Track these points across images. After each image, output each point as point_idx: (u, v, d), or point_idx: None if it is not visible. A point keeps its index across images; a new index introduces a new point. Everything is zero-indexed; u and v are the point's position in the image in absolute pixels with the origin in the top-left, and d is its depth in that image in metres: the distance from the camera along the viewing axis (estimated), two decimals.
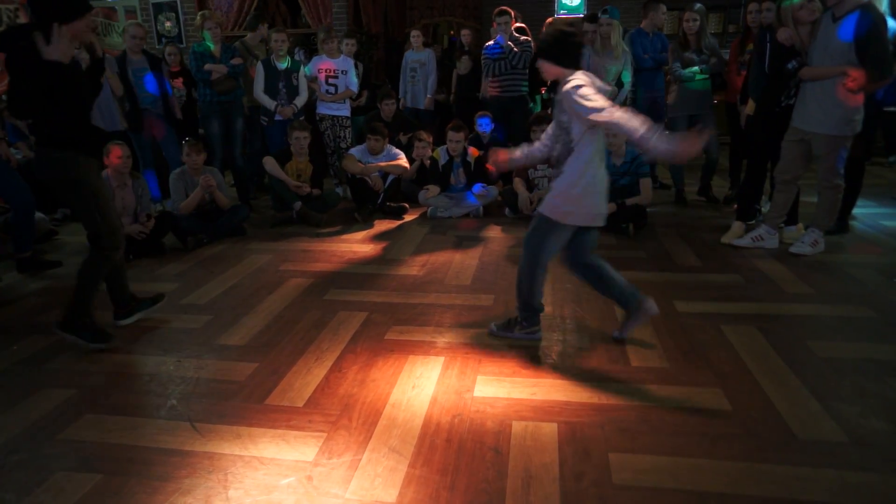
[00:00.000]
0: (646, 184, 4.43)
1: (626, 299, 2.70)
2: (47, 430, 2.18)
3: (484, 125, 5.45)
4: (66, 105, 2.61)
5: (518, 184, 4.82)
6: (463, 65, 6.24)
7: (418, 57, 6.31)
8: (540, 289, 2.70)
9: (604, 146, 2.61)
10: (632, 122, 2.28)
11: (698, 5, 4.95)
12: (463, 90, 6.31)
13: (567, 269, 2.78)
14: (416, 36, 6.37)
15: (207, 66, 5.11)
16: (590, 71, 5.03)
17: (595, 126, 2.42)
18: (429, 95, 6.33)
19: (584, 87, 2.39)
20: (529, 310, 2.75)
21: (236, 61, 5.25)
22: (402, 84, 6.45)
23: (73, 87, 2.60)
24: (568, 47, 2.50)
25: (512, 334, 2.79)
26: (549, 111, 6.21)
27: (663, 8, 5.20)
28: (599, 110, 2.32)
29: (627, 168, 4.47)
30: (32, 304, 3.41)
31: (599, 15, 5.10)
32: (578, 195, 2.50)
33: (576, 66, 2.52)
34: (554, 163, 2.63)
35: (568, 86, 2.42)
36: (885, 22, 3.32)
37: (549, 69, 2.57)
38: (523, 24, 6.07)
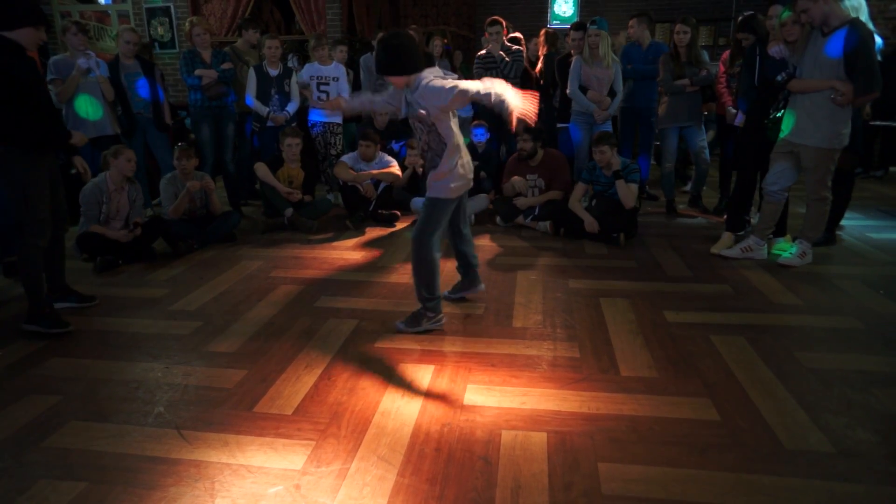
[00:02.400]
0: (632, 188, 4.45)
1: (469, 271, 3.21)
2: (31, 437, 2.15)
3: (479, 135, 5.47)
4: (8, 102, 2.80)
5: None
6: None
7: None
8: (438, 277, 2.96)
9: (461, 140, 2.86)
10: (474, 85, 2.57)
11: (689, 18, 5.01)
12: None
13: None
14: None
15: (198, 72, 5.10)
16: (582, 81, 5.05)
17: (450, 110, 2.71)
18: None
19: (434, 79, 2.63)
20: (433, 299, 2.94)
21: (226, 66, 5.24)
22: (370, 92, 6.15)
23: (17, 85, 2.79)
24: (402, 55, 2.66)
25: (420, 327, 2.96)
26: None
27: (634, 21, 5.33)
28: (453, 88, 2.57)
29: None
30: (18, 309, 3.37)
31: (588, 26, 5.14)
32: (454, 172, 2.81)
33: (418, 69, 2.70)
34: (429, 160, 2.87)
35: (423, 83, 2.64)
36: (872, 38, 3.37)
37: (396, 81, 2.75)
38: (518, 34, 6.11)
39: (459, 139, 2.85)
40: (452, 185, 2.83)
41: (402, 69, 2.69)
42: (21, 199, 2.92)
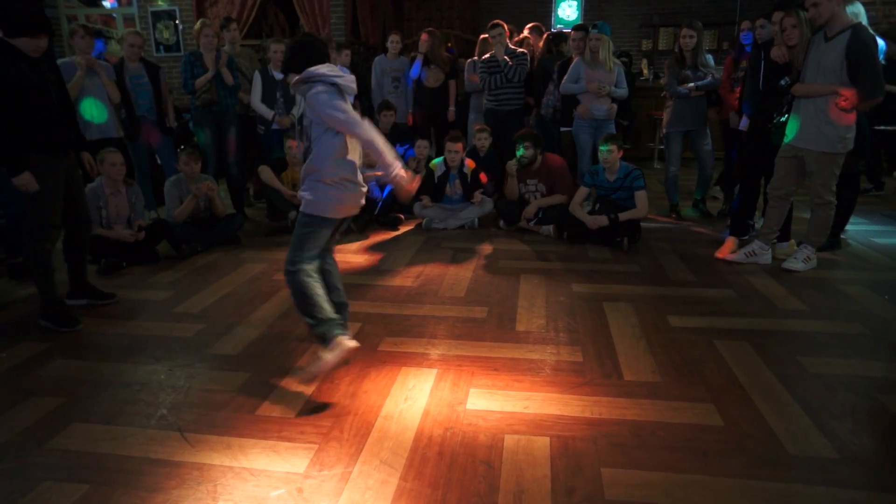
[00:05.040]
0: (641, 197, 4.44)
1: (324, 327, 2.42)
2: (35, 439, 2.15)
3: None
4: (16, 107, 2.86)
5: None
6: (432, 75, 5.83)
7: (398, 65, 5.95)
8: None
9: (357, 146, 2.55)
10: (383, 146, 2.41)
11: (695, 22, 5.00)
12: (429, 105, 5.89)
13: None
14: (394, 42, 5.91)
15: (198, 81, 5.06)
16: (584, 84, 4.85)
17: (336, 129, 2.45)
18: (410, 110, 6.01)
19: (324, 93, 2.42)
20: (321, 322, 2.43)
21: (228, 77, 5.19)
22: (378, 95, 5.95)
23: (6, 88, 2.83)
24: (294, 53, 2.55)
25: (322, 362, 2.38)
26: (534, 126, 6.18)
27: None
28: (355, 125, 2.40)
29: (621, 183, 4.49)
30: (23, 311, 3.39)
31: (590, 30, 5.14)
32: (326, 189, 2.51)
33: (303, 68, 2.49)
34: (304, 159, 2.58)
35: (311, 91, 2.44)
36: (875, 42, 3.37)
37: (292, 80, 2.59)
38: (528, 35, 6.10)
39: (349, 164, 2.53)
40: (329, 200, 2.51)
41: (291, 66, 2.57)
42: (27, 201, 2.97)
